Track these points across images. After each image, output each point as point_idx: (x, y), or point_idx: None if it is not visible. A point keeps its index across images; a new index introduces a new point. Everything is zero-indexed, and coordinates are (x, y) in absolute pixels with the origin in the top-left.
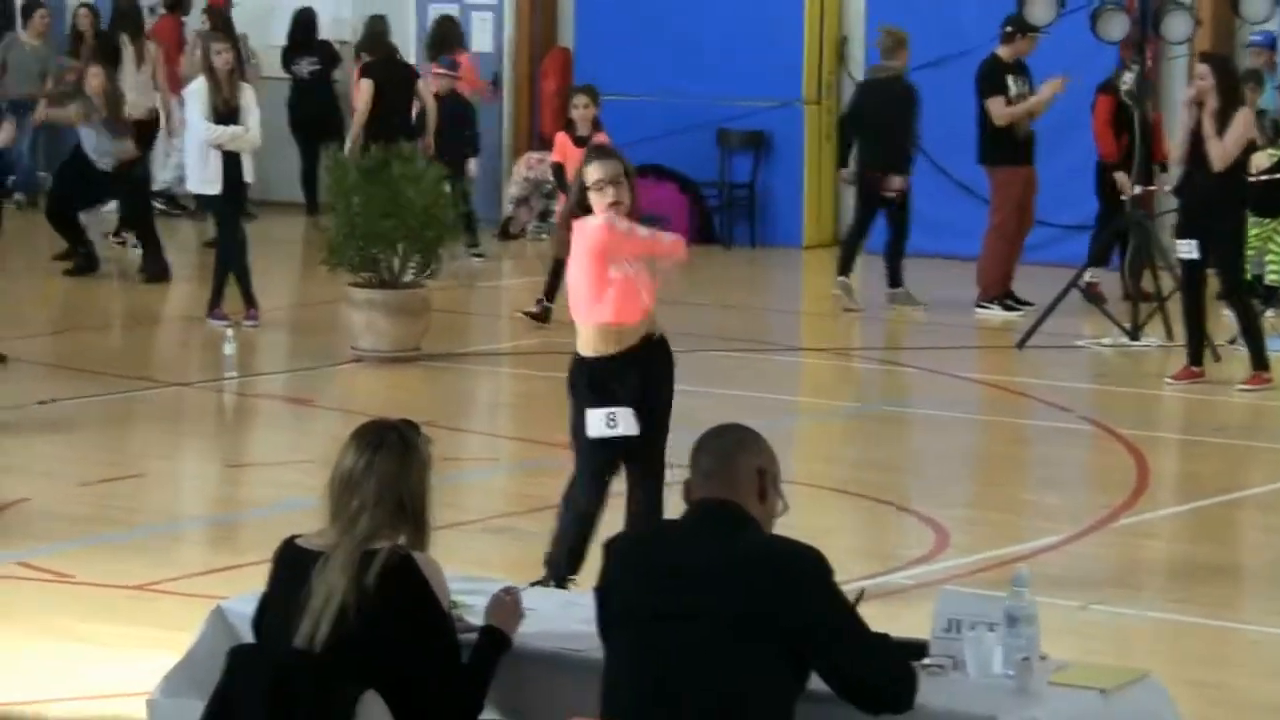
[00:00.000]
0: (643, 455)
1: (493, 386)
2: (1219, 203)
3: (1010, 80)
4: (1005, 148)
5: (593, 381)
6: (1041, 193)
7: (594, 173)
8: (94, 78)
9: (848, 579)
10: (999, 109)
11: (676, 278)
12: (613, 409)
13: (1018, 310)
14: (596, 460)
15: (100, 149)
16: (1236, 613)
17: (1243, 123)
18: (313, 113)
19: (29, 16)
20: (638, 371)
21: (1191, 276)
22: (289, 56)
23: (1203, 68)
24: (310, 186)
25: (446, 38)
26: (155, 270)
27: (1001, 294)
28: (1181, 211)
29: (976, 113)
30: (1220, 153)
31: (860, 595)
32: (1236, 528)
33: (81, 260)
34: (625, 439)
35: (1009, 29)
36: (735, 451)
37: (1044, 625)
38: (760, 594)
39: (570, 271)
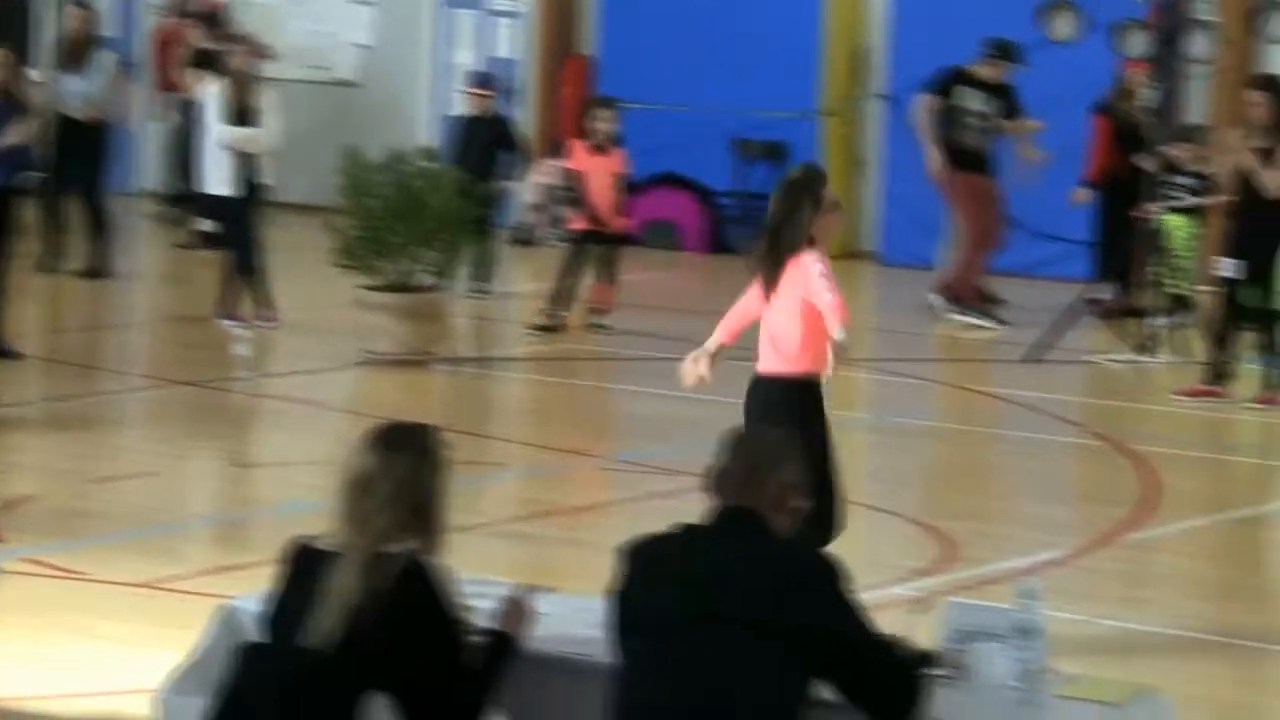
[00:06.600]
0: None
1: (504, 392)
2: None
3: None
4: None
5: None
6: (1048, 209)
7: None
8: None
9: (856, 589)
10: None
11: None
12: None
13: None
14: None
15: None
16: (1245, 630)
17: None
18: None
19: None
20: None
21: (1228, 295)
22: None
23: (1256, 94)
24: None
25: None
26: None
27: (974, 299)
28: (1233, 234)
29: None
30: (1277, 180)
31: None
32: (1249, 545)
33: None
34: None
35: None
36: (762, 467)
37: (1051, 639)
38: (769, 597)
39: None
